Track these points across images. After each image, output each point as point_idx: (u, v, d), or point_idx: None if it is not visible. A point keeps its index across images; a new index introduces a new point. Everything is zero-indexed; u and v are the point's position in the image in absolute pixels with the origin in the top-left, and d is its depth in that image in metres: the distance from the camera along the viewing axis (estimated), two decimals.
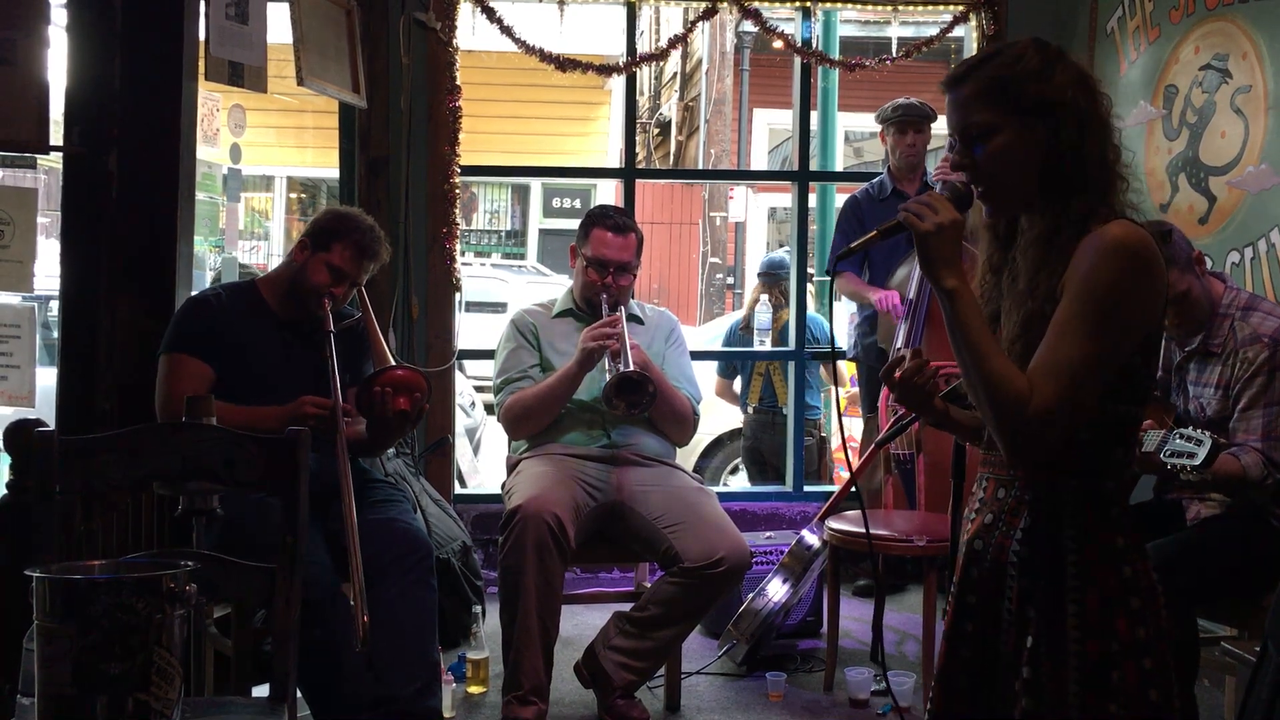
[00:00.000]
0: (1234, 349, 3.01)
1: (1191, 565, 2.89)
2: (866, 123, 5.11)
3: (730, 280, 12.81)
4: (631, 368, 3.37)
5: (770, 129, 12.61)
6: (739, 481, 6.34)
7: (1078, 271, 1.70)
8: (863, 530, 3.66)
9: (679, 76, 13.32)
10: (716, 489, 5.21)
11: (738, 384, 5.89)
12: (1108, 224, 1.72)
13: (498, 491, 3.72)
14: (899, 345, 4.33)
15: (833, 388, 5.89)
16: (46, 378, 3.53)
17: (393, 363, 3.11)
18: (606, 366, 3.45)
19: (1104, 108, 1.81)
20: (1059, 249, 1.74)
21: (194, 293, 3.34)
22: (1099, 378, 1.70)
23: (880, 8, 5.12)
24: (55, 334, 4.29)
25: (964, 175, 1.83)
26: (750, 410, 5.73)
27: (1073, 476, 1.75)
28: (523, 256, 14.54)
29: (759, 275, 5.92)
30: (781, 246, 9.45)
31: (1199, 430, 2.82)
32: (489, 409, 5.80)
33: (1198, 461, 2.75)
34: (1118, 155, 1.80)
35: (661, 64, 11.88)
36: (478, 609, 3.96)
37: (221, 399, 2.80)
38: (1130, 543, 1.76)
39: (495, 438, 6.47)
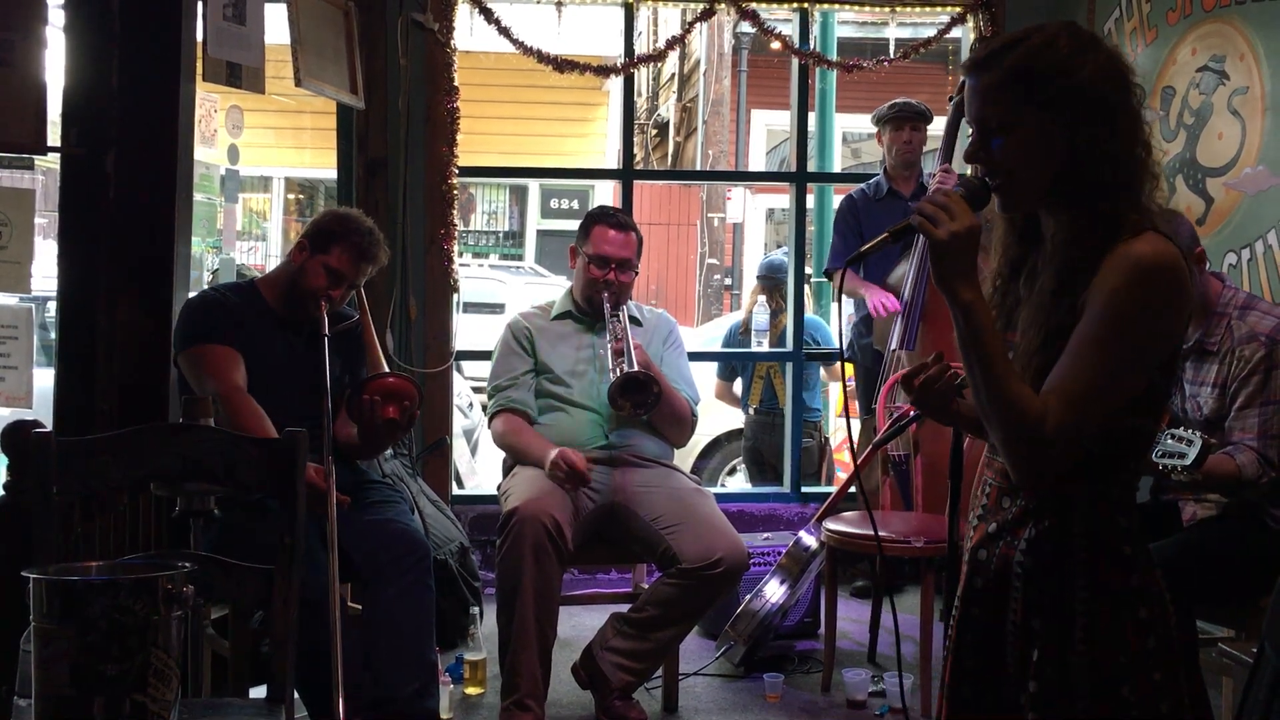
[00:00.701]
0: (1231, 348, 3.01)
1: (1189, 567, 2.89)
2: (864, 124, 5.12)
3: (728, 281, 12.81)
4: (636, 368, 3.38)
5: (768, 130, 12.61)
6: (737, 482, 6.34)
7: (1103, 290, 1.62)
8: (860, 531, 3.67)
9: (677, 77, 13.32)
10: (714, 490, 5.21)
11: (738, 386, 5.89)
12: (1138, 237, 1.63)
13: (495, 493, 3.72)
14: (894, 346, 4.33)
15: (832, 385, 5.89)
16: (44, 379, 3.52)
17: (384, 369, 3.11)
18: (610, 366, 3.46)
19: (1136, 100, 1.70)
20: (1086, 255, 1.66)
21: (192, 293, 3.34)
22: (1118, 399, 1.64)
23: (878, 9, 5.13)
24: (53, 335, 4.29)
25: (980, 169, 1.73)
26: (751, 412, 5.73)
27: (1082, 486, 1.70)
28: (521, 257, 14.53)
29: (757, 278, 5.91)
30: (779, 248, 9.44)
31: (1190, 431, 2.82)
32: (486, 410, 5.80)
33: (1188, 462, 2.76)
34: (1149, 151, 1.70)
35: (659, 65, 11.87)
36: (475, 610, 3.96)
37: None
38: (1137, 551, 1.71)
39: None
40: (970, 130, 1.76)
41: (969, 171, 1.80)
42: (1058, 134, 1.67)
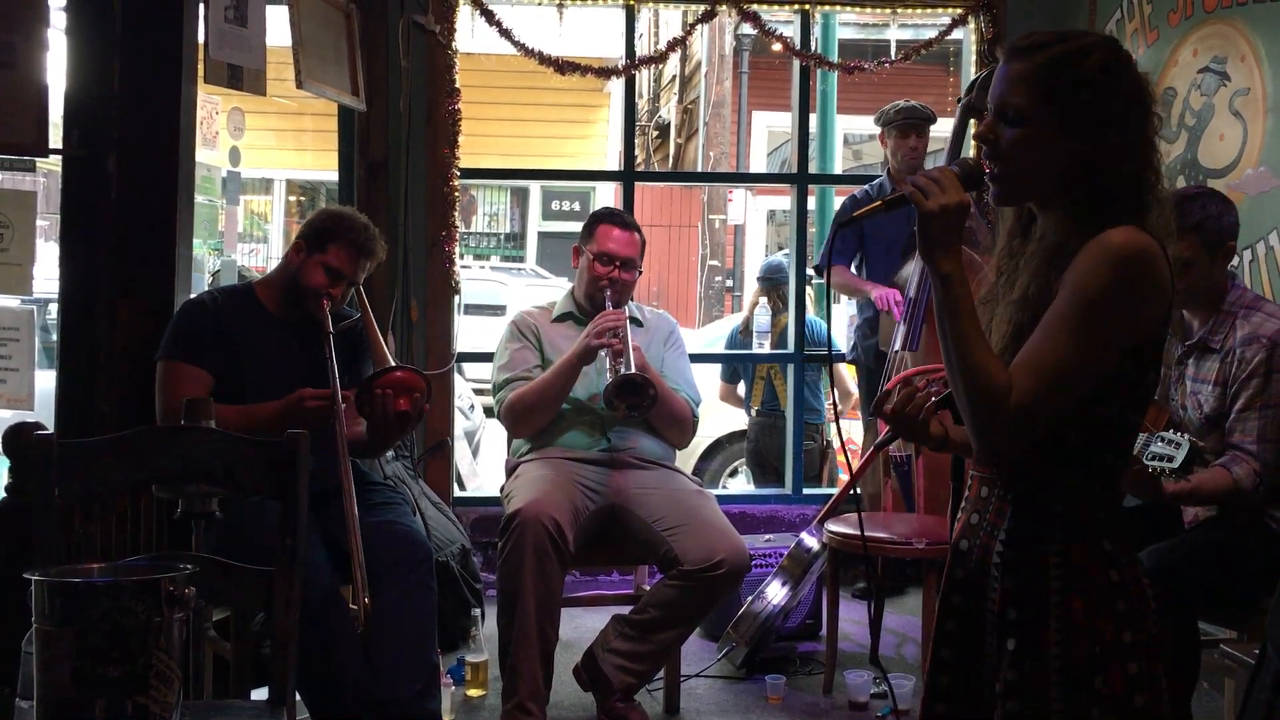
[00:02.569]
0: (1232, 347, 3.01)
1: (1191, 569, 2.89)
2: (865, 125, 5.13)
3: (729, 283, 12.82)
4: (633, 370, 3.38)
5: (769, 131, 12.62)
6: (738, 484, 6.34)
7: (1073, 272, 1.67)
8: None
9: (678, 79, 13.33)
10: (716, 491, 5.21)
11: (742, 388, 5.89)
12: (1115, 229, 1.67)
13: (497, 494, 3.72)
14: (896, 347, 4.33)
15: (831, 390, 5.89)
16: (46, 381, 3.53)
17: (392, 364, 3.11)
18: (607, 368, 3.46)
19: (1153, 127, 1.75)
20: (1062, 260, 1.70)
21: (191, 295, 3.34)
22: (1082, 381, 1.67)
23: (879, 10, 5.13)
24: (54, 337, 4.30)
25: (983, 149, 1.76)
26: (753, 414, 5.73)
27: (1059, 478, 1.73)
28: (522, 259, 14.55)
29: (758, 279, 5.91)
30: (780, 250, 9.46)
31: (1179, 434, 2.84)
32: (488, 411, 5.81)
33: (1176, 464, 2.77)
34: (1158, 179, 1.74)
35: (660, 67, 11.90)
36: (477, 612, 3.96)
37: (221, 401, 2.80)
38: (1119, 547, 1.73)
39: (494, 440, 6.47)
40: (986, 114, 1.79)
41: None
42: (1068, 141, 1.71)
